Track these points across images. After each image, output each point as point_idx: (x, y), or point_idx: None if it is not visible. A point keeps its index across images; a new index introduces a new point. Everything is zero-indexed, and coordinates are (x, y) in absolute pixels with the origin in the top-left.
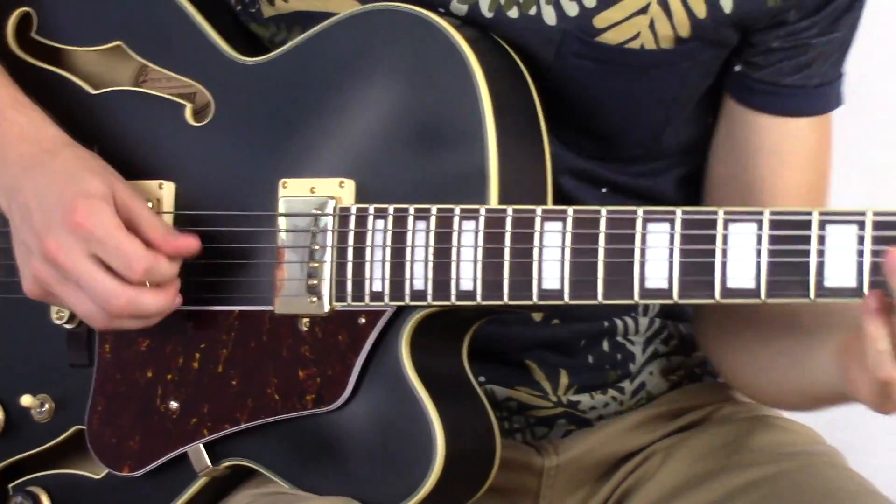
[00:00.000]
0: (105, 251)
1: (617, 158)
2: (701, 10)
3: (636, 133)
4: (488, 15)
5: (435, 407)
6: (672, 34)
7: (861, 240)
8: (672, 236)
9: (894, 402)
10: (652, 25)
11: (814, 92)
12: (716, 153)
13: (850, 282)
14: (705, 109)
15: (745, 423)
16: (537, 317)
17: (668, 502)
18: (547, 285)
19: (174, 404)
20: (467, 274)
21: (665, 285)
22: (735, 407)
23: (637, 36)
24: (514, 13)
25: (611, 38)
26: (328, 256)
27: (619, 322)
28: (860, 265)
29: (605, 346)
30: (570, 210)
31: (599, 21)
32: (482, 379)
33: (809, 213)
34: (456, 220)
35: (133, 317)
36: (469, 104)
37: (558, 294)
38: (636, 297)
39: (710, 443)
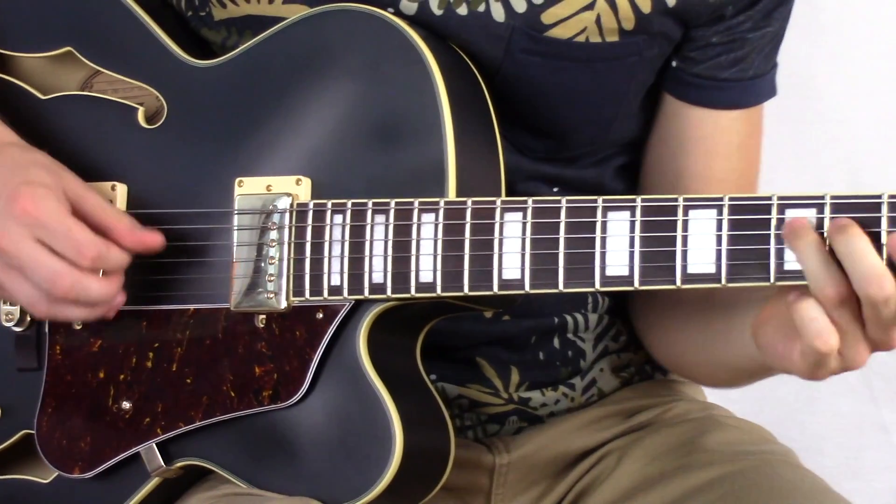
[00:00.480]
0: (52, 237)
1: (565, 157)
2: (646, 5)
3: (585, 129)
4: (438, 13)
5: (393, 402)
6: (617, 27)
7: (821, 222)
8: (633, 224)
9: (829, 368)
10: (598, 20)
11: (749, 84)
12: (652, 143)
13: None
14: (649, 103)
15: (698, 422)
16: (488, 313)
17: (626, 502)
18: (507, 275)
19: (127, 404)
20: (427, 266)
21: (626, 272)
22: (687, 405)
23: (584, 30)
24: (462, 10)
25: (559, 33)
26: (285, 252)
27: (569, 318)
28: None
29: (556, 342)
30: (529, 201)
31: (547, 17)
32: (433, 377)
33: (769, 199)
34: (415, 213)
35: (76, 302)
36: (427, 99)
37: (519, 284)
38: (597, 284)
39: (665, 443)
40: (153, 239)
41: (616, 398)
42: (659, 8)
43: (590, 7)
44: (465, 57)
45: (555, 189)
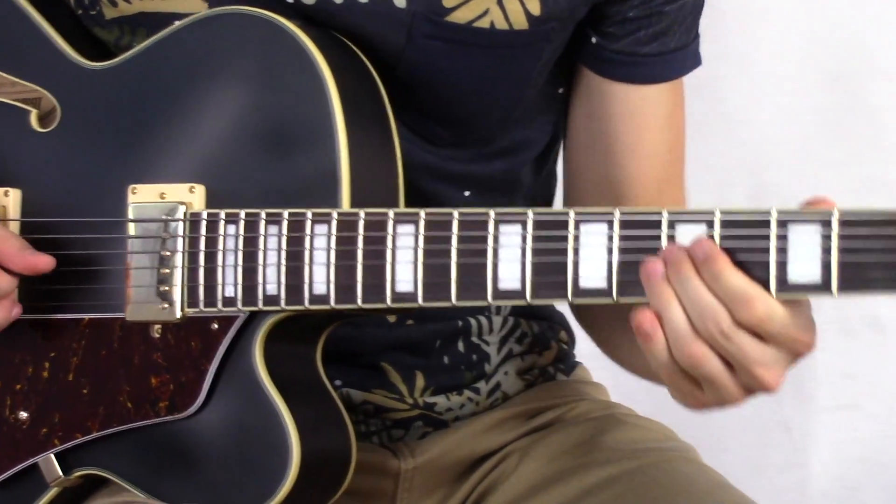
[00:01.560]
0: None
1: (472, 142)
2: None
3: (490, 113)
4: (339, 1)
5: (289, 411)
6: (521, 9)
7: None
8: (524, 237)
9: (692, 399)
10: (501, 3)
11: (671, 57)
12: (575, 122)
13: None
14: (555, 79)
15: (599, 421)
16: (391, 318)
17: (526, 501)
18: (400, 288)
19: (23, 414)
20: (320, 278)
21: (518, 286)
22: (589, 405)
23: (486, 13)
24: None
25: (460, 16)
26: (179, 262)
27: (472, 321)
28: None
29: (461, 346)
30: (422, 212)
31: (448, 1)
32: (338, 382)
33: (660, 213)
34: (308, 224)
35: None
36: (319, 106)
37: (412, 297)
38: (489, 298)
39: (566, 441)
40: (43, 262)
41: (519, 400)
42: None
43: None
44: (361, 56)
45: (466, 193)
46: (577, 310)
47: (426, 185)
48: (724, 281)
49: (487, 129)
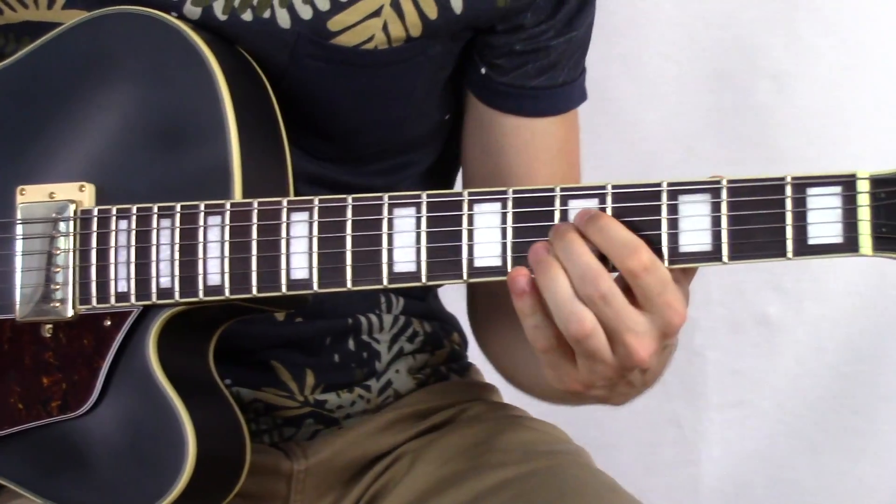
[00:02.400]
0: None
1: (354, 158)
2: (432, 12)
3: (373, 131)
4: (222, 18)
5: (185, 407)
6: (404, 35)
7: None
8: (418, 220)
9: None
10: (385, 27)
11: (560, 91)
12: (468, 152)
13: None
14: (442, 103)
15: (493, 423)
16: (280, 315)
17: None
18: (296, 275)
19: None
20: (214, 269)
21: (413, 268)
22: (483, 406)
23: (371, 38)
24: (248, 16)
25: (345, 40)
26: (70, 260)
27: (363, 319)
28: None
29: (351, 344)
30: (316, 200)
31: (333, 24)
32: (228, 381)
33: (552, 190)
34: (201, 216)
35: None
36: (209, 101)
37: (307, 283)
38: (385, 281)
39: (459, 444)
40: None
41: (412, 400)
42: (446, 14)
43: (376, 14)
44: (250, 59)
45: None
46: (475, 327)
47: (305, 192)
48: (609, 232)
49: (368, 148)
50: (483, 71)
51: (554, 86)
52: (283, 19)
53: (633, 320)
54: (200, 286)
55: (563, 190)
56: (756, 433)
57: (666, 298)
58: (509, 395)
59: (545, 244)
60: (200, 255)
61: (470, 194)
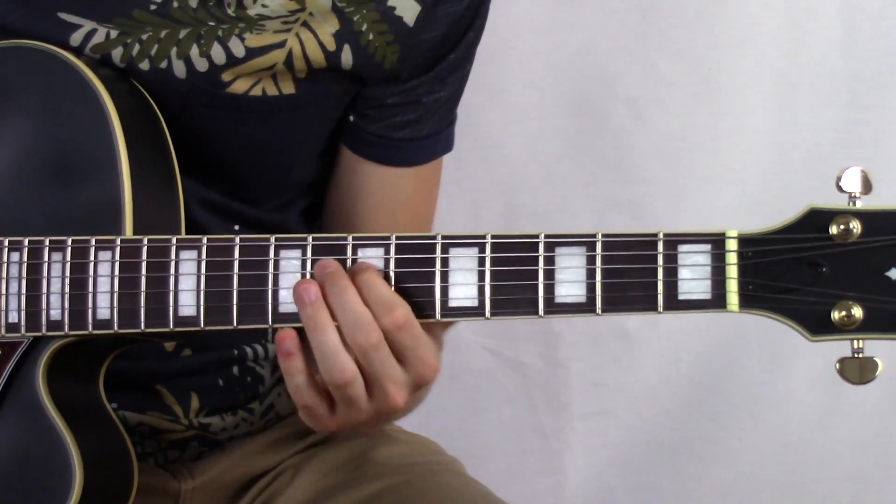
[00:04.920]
0: None
1: (245, 197)
2: (320, 64)
3: (263, 174)
4: (120, 65)
5: (72, 434)
6: (293, 84)
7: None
8: (304, 262)
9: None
10: (275, 77)
11: (422, 143)
12: (329, 191)
13: (473, 300)
14: (327, 148)
15: (369, 437)
16: (169, 346)
17: None
18: (183, 312)
19: None
20: (104, 304)
21: (296, 309)
22: None
23: (259, 82)
24: (145, 65)
25: (236, 88)
26: None
27: (248, 349)
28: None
29: (236, 370)
30: (204, 239)
31: (227, 75)
32: (115, 405)
33: (434, 238)
34: (92, 251)
35: None
36: (102, 137)
37: (194, 320)
38: (270, 321)
39: (337, 457)
40: None
41: (294, 420)
42: (334, 68)
43: (269, 69)
44: (147, 97)
45: (235, 227)
46: None
47: (196, 213)
48: (371, 287)
49: (259, 187)
50: (351, 119)
51: (417, 138)
52: (180, 70)
53: (395, 371)
54: (90, 320)
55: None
56: (617, 441)
57: (418, 353)
58: None
59: (314, 288)
60: (90, 289)
61: (354, 239)
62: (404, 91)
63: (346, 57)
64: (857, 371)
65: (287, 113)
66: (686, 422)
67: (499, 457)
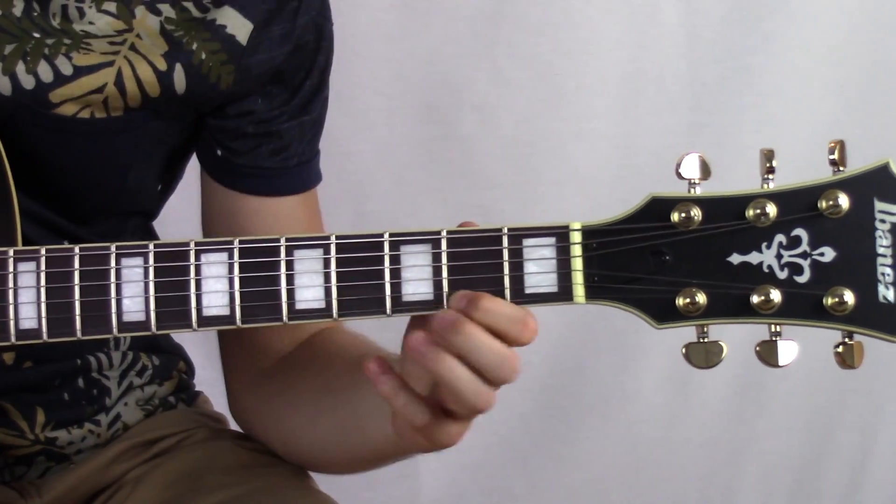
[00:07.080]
0: None
1: (73, 216)
2: (154, 91)
3: (92, 196)
4: None
5: None
6: (123, 106)
7: (327, 263)
8: (146, 270)
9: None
10: (105, 101)
11: (295, 171)
12: (210, 231)
13: (320, 302)
14: (159, 176)
15: (213, 446)
16: (8, 359)
17: None
18: (24, 325)
19: None
20: None
21: (143, 318)
22: (206, 433)
23: (88, 106)
24: None
25: (66, 110)
26: None
27: (92, 358)
28: (327, 289)
29: (81, 382)
30: (42, 250)
31: (55, 96)
32: None
33: (277, 241)
34: None
35: None
36: None
37: (37, 333)
38: (115, 331)
39: (180, 469)
40: None
41: (140, 429)
42: (168, 95)
43: (99, 91)
44: None
45: (65, 242)
46: (234, 402)
47: (34, 234)
48: (496, 311)
49: (90, 209)
50: (219, 153)
51: (288, 167)
52: (5, 87)
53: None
54: None
55: (287, 240)
56: (470, 445)
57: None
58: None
59: (424, 338)
60: None
61: (197, 244)
62: (263, 121)
63: (179, 78)
64: (703, 355)
65: (114, 135)
66: (537, 424)
67: None
